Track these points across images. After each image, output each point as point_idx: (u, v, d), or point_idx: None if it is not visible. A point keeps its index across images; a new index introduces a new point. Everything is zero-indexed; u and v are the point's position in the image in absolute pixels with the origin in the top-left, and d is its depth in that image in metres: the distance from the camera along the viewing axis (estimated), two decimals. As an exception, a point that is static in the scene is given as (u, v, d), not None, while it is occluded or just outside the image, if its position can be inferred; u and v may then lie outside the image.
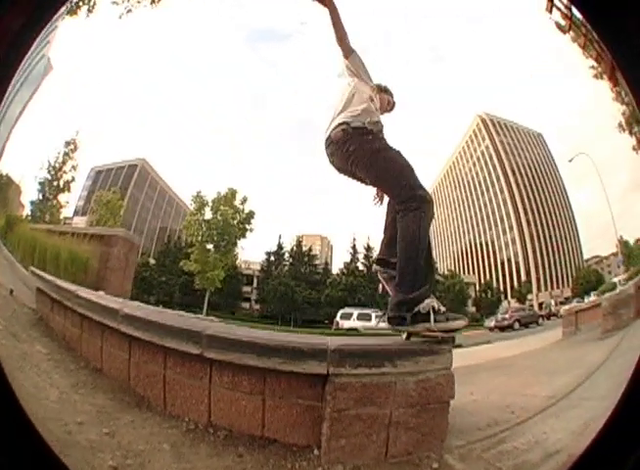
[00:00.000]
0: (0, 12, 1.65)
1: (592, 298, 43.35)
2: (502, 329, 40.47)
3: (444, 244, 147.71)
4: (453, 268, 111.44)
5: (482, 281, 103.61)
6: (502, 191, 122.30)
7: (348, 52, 4.27)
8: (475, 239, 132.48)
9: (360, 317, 33.55)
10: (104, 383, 4.02)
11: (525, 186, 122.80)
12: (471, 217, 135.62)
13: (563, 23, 14.31)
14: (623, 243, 73.22)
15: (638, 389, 1.85)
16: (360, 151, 3.86)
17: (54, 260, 11.27)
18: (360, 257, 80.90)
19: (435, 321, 3.37)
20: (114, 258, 12.09)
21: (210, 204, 27.55)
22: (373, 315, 33.25)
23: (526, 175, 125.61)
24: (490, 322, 46.40)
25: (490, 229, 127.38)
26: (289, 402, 3.19)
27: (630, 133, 16.58)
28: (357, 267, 79.42)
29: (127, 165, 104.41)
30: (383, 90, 4.79)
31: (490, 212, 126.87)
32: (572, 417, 4.10)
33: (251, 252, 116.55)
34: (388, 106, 4.89)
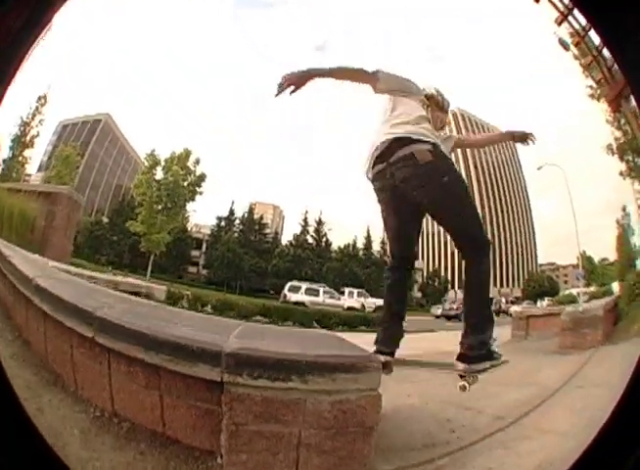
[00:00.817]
0: (1, 11, 1.61)
1: (545, 303, 45.61)
2: (449, 318, 40.76)
3: None
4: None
5: (430, 269, 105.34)
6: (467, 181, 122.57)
7: (374, 81, 3.83)
8: (427, 227, 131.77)
9: (308, 292, 33.09)
10: (31, 356, 3.84)
11: (485, 183, 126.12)
12: None
13: (568, 40, 14.28)
14: (586, 258, 75.53)
15: (638, 389, 1.83)
16: (437, 177, 3.56)
17: (9, 220, 10.84)
18: (311, 230, 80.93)
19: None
20: (58, 218, 11.61)
21: (163, 163, 26.76)
22: (321, 291, 33.79)
23: (489, 173, 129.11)
24: (437, 310, 48.16)
25: None
26: (186, 403, 2.74)
27: (621, 159, 16.19)
28: (306, 240, 79.30)
29: (92, 120, 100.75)
30: (439, 107, 4.37)
31: None
32: (524, 452, 3.50)
33: (205, 216, 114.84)
34: (441, 124, 4.42)
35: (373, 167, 3.82)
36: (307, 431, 2.55)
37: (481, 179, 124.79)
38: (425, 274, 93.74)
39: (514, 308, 43.14)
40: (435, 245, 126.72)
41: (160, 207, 25.07)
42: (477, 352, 3.63)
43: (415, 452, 3.35)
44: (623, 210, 50.37)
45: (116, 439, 2.79)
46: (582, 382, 5.90)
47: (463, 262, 3.78)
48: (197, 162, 31.17)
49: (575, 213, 35.40)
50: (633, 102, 11.59)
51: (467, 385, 3.75)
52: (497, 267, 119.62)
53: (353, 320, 18.55)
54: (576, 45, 13.49)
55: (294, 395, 2.54)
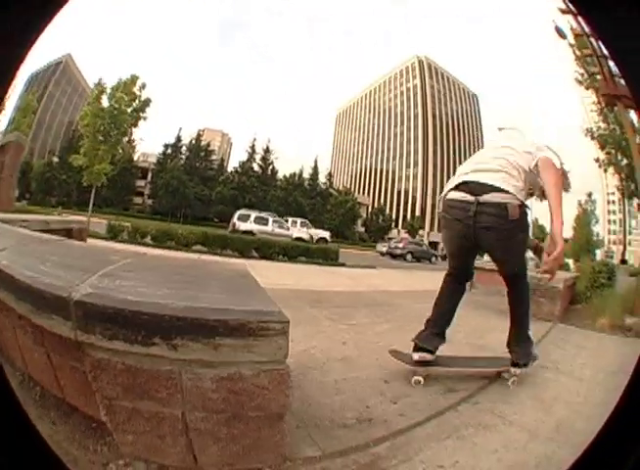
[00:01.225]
0: (1, 11, 1.52)
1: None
2: (394, 256, 40.72)
3: (345, 161, 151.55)
4: (349, 186, 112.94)
5: (376, 205, 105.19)
6: (416, 128, 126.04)
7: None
8: (376, 164, 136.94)
9: (257, 221, 32.44)
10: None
11: (441, 132, 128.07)
12: (378, 144, 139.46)
13: (565, 29, 14.33)
14: (538, 226, 76.82)
15: (638, 389, 1.77)
16: (516, 233, 3.85)
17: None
18: (257, 158, 79.67)
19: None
20: (5, 168, 10.74)
21: (109, 91, 25.42)
22: (270, 220, 33.21)
23: (446, 123, 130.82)
24: (382, 247, 47.54)
25: (394, 159, 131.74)
26: (69, 364, 2.11)
27: (602, 148, 16.24)
28: (252, 168, 77.98)
29: (54, 64, 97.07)
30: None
31: (399, 144, 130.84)
32: (482, 446, 2.81)
33: (153, 144, 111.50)
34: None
35: (456, 189, 3.94)
36: (192, 414, 1.90)
37: (438, 127, 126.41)
38: (369, 210, 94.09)
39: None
40: (383, 183, 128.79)
41: (101, 137, 23.92)
42: (525, 361, 4.19)
43: (346, 431, 2.71)
44: (589, 195, 52.01)
45: (35, 408, 2.40)
46: (544, 362, 5.15)
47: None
48: (142, 86, 29.84)
49: None
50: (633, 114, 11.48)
51: (422, 380, 3.85)
52: None
53: (294, 250, 18.10)
54: (577, 36, 13.46)
55: (163, 365, 1.84)
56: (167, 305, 1.87)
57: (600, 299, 10.42)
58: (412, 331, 5.44)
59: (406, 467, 2.42)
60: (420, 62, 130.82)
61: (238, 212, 33.55)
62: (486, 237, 3.77)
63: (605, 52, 8.51)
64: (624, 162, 15.06)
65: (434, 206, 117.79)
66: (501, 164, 3.76)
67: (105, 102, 22.27)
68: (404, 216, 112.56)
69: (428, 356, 3.98)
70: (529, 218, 3.93)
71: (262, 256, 16.93)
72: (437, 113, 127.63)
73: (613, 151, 15.45)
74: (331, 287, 10.22)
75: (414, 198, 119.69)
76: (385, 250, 45.09)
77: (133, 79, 24.14)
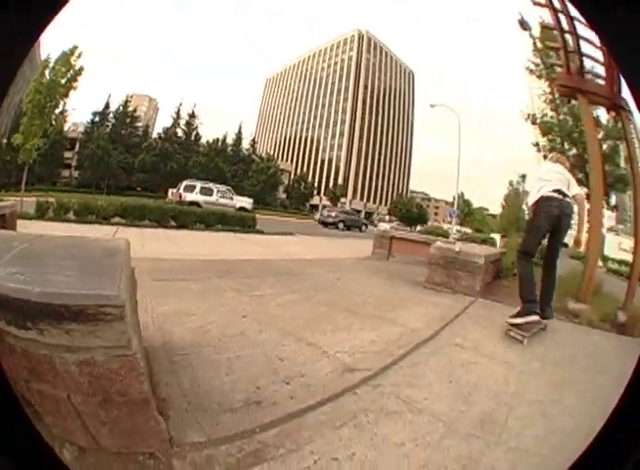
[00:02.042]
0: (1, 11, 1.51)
1: (385, 225, 48.92)
2: (326, 225, 41.35)
3: (271, 128, 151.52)
4: (272, 153, 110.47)
5: (298, 172, 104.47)
6: (346, 100, 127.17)
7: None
8: (302, 132, 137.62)
9: (202, 191, 32.44)
10: None
11: (371, 105, 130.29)
12: (305, 112, 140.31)
13: (529, 22, 15.09)
14: (464, 200, 79.16)
15: (638, 389, 1.70)
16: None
17: None
18: (182, 123, 77.00)
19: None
20: None
21: (52, 64, 24.23)
22: (215, 190, 33.36)
23: (377, 98, 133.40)
24: (315, 215, 50.64)
25: (320, 128, 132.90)
26: None
27: (544, 135, 16.63)
28: (176, 133, 75.17)
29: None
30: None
31: (326, 114, 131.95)
32: (384, 436, 2.55)
33: (83, 114, 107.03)
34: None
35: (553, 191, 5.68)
36: (75, 396, 1.95)
37: (368, 100, 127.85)
38: (292, 177, 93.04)
39: (382, 225, 45.30)
40: (307, 151, 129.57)
41: (37, 111, 22.81)
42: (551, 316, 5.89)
43: (233, 415, 2.52)
44: (522, 177, 53.58)
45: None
46: (461, 340, 5.08)
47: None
48: (79, 55, 28.61)
49: (462, 159, 36.74)
50: (604, 111, 11.92)
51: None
52: (366, 182, 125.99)
53: (211, 218, 17.74)
54: (544, 29, 13.79)
55: (40, 349, 1.84)
56: (29, 290, 1.77)
57: None
58: (318, 303, 5.54)
59: (295, 458, 2.21)
60: (360, 35, 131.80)
61: (184, 183, 33.28)
62: (566, 221, 5.63)
63: (573, 46, 8.94)
64: (573, 151, 15.48)
65: (356, 175, 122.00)
66: (561, 180, 5.79)
67: (47, 76, 21.52)
68: (327, 185, 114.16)
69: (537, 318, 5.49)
70: None
71: (180, 225, 16.63)
72: (370, 86, 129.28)
73: (558, 139, 15.85)
74: (244, 256, 10.00)
75: (337, 167, 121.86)
76: (316, 217, 47.79)
77: (72, 50, 23.27)
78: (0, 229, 6.55)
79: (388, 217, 77.46)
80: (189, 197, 30.93)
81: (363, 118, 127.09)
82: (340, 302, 5.96)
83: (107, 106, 74.19)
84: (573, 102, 12.05)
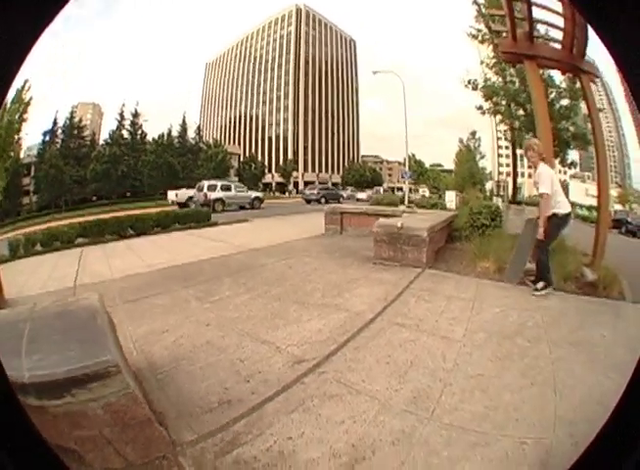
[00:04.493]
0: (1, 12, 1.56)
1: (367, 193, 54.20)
2: (308, 202, 45.39)
3: (215, 113, 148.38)
4: (218, 138, 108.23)
5: (247, 153, 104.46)
6: (287, 73, 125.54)
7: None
8: (246, 111, 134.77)
9: (223, 188, 35.54)
10: None
11: (313, 76, 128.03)
12: (247, 92, 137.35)
13: None
14: (416, 161, 79.61)
15: (638, 389, 1.79)
16: None
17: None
18: (127, 124, 74.76)
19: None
20: None
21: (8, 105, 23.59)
22: (232, 186, 37.03)
23: (319, 68, 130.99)
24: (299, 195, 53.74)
25: (264, 104, 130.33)
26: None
27: (487, 99, 17.25)
28: (122, 135, 73.02)
29: None
30: None
31: (269, 90, 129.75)
32: (328, 418, 3.09)
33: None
34: None
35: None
36: (104, 430, 2.65)
37: (310, 73, 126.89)
38: (241, 159, 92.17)
39: (359, 194, 52.91)
40: (253, 130, 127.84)
41: None
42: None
43: (212, 415, 3.17)
44: (472, 134, 54.36)
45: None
46: (402, 319, 5.37)
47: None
48: (28, 88, 28.09)
49: (410, 120, 36.89)
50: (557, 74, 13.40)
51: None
52: (315, 153, 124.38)
53: (167, 220, 17.85)
54: None
55: (75, 406, 2.58)
56: (57, 372, 2.53)
57: (482, 240, 10.36)
58: (271, 298, 6.05)
59: (260, 440, 2.82)
60: (298, 9, 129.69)
61: (205, 184, 35.67)
62: None
63: (524, 13, 9.07)
64: (520, 112, 16.13)
65: (306, 148, 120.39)
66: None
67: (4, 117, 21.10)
68: (277, 161, 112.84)
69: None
70: None
71: (139, 232, 16.78)
72: (311, 58, 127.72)
73: (504, 101, 16.40)
74: (202, 255, 10.27)
75: (285, 141, 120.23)
76: (301, 197, 52.71)
77: (23, 85, 22.84)
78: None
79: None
80: (213, 195, 33.50)
81: (307, 91, 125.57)
82: (291, 293, 6.45)
83: (55, 122, 71.24)
84: (520, 66, 12.20)
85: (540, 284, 6.78)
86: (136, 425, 2.75)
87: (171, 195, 44.49)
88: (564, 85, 14.91)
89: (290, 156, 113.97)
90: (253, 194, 39.21)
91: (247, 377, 3.68)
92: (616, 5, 1.62)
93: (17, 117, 21.35)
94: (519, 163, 20.56)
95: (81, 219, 18.96)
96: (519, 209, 13.51)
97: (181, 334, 4.79)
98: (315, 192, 48.67)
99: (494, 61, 16.38)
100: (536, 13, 9.15)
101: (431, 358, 4.15)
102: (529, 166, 7.38)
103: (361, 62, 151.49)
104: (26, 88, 22.79)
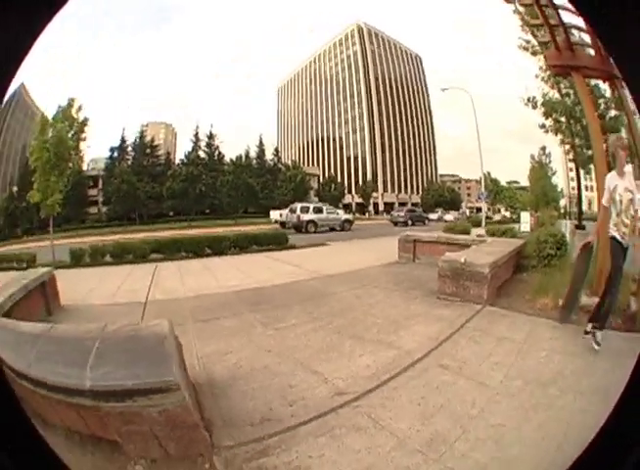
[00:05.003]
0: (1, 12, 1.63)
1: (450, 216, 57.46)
2: (396, 224, 47.15)
3: (292, 135, 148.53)
4: (297, 159, 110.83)
5: (326, 175, 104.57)
6: (360, 93, 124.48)
7: None
8: (323, 133, 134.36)
9: (315, 210, 37.46)
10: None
11: (385, 94, 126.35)
12: (322, 113, 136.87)
13: None
14: (491, 179, 78.44)
15: (638, 389, 1.85)
16: None
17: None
18: (202, 145, 77.39)
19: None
20: None
21: (51, 121, 24.88)
22: (324, 208, 39.17)
23: (389, 85, 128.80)
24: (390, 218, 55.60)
25: (340, 126, 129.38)
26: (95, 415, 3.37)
27: (547, 117, 16.46)
28: (198, 156, 75.69)
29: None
30: None
31: (343, 111, 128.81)
32: (347, 447, 3.39)
33: (99, 149, 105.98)
34: None
35: None
36: (154, 428, 3.18)
37: (382, 90, 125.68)
38: (321, 180, 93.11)
39: (447, 216, 56.36)
40: (331, 151, 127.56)
41: (49, 168, 23.50)
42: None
43: (252, 428, 3.65)
44: (542, 149, 53.01)
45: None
46: (448, 360, 5.33)
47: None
48: (79, 108, 29.49)
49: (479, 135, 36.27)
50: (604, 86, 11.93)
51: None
52: (394, 174, 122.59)
53: (244, 241, 18.32)
54: (525, 5, 13.43)
55: (136, 409, 3.15)
56: (127, 383, 3.11)
57: (546, 271, 9.93)
58: (332, 330, 6.39)
59: (285, 454, 3.26)
60: (359, 28, 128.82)
61: (299, 205, 37.68)
62: None
63: (555, 21, 8.71)
64: (578, 128, 15.11)
65: (384, 167, 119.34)
66: None
67: (49, 132, 22.13)
68: (356, 182, 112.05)
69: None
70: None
71: (215, 252, 17.29)
72: (380, 75, 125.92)
73: (563, 118, 15.54)
74: (273, 281, 10.45)
75: (364, 161, 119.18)
76: (390, 219, 53.25)
77: (70, 103, 23.92)
78: (43, 299, 7.98)
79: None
80: (305, 217, 35.93)
81: (380, 108, 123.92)
82: (351, 326, 6.70)
83: (123, 140, 74.76)
84: (570, 78, 11.18)
85: (599, 335, 5.63)
86: (185, 427, 3.24)
87: (275, 214, 46.98)
88: (608, 95, 14.04)
89: (369, 176, 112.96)
90: (344, 216, 40.98)
91: (291, 401, 4.09)
92: (616, 5, 1.68)
93: (70, 134, 22.39)
94: (582, 182, 19.56)
95: (157, 234, 19.68)
96: (583, 233, 12.68)
97: (242, 356, 5.29)
98: (402, 214, 50.02)
99: (548, 74, 15.42)
100: (566, 17, 8.83)
101: (460, 404, 4.16)
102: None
103: (431, 79, 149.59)
104: (76, 107, 23.97)
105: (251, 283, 10.03)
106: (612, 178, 5.67)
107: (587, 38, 9.31)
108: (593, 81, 12.57)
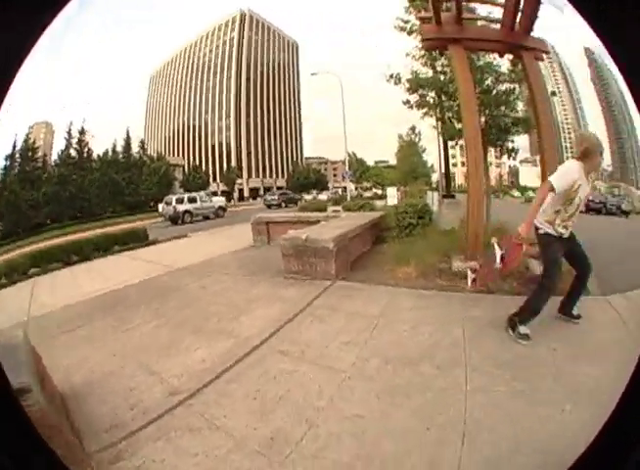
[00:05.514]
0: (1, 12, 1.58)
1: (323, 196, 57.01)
2: (269, 206, 50.84)
3: (159, 126, 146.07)
4: (163, 150, 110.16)
5: (191, 164, 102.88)
6: (229, 78, 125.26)
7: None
8: (190, 121, 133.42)
9: (190, 200, 38.18)
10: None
11: (255, 81, 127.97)
12: (190, 101, 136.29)
13: None
14: (357, 159, 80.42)
15: (638, 389, 1.80)
16: None
17: None
18: (74, 142, 72.85)
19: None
20: None
21: None
22: (197, 197, 39.51)
23: (261, 72, 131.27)
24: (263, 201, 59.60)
25: (207, 113, 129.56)
26: None
27: (412, 92, 15.02)
28: (69, 155, 71.45)
29: None
30: None
31: (211, 97, 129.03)
32: (182, 450, 3.35)
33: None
34: None
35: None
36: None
37: (252, 77, 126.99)
38: (186, 170, 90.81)
39: (321, 196, 56.68)
40: (197, 139, 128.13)
41: None
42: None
43: (106, 435, 3.60)
44: (412, 129, 54.81)
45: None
46: (288, 345, 5.18)
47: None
48: None
49: (350, 119, 36.83)
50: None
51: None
52: (259, 158, 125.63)
53: (106, 243, 17.34)
54: None
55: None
56: None
57: (408, 242, 10.10)
58: (175, 325, 6.36)
59: (135, 458, 3.23)
60: (242, 15, 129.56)
61: (174, 197, 38.36)
62: None
63: None
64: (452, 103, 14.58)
65: (249, 153, 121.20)
66: None
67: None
68: (220, 169, 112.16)
69: None
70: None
71: (82, 258, 16.50)
72: (253, 63, 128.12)
73: (432, 93, 15.01)
74: (130, 280, 10.20)
75: (229, 149, 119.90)
76: (264, 203, 56.26)
77: None
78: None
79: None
80: (181, 208, 36.53)
81: (248, 95, 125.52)
82: (193, 318, 6.61)
83: (14, 146, 68.65)
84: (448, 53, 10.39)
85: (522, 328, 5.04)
86: (60, 435, 2.95)
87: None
88: (504, 69, 13.71)
89: (233, 162, 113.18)
90: (217, 203, 41.64)
91: (132, 405, 4.02)
92: (616, 5, 1.66)
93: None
94: (450, 153, 19.72)
95: (34, 247, 18.95)
96: (453, 202, 12.96)
97: (96, 362, 5.24)
98: (276, 197, 54.29)
99: (422, 52, 14.79)
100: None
101: (303, 394, 3.94)
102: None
103: (303, 64, 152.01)
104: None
105: (110, 286, 9.86)
106: (580, 175, 5.04)
107: (495, 12, 9.51)
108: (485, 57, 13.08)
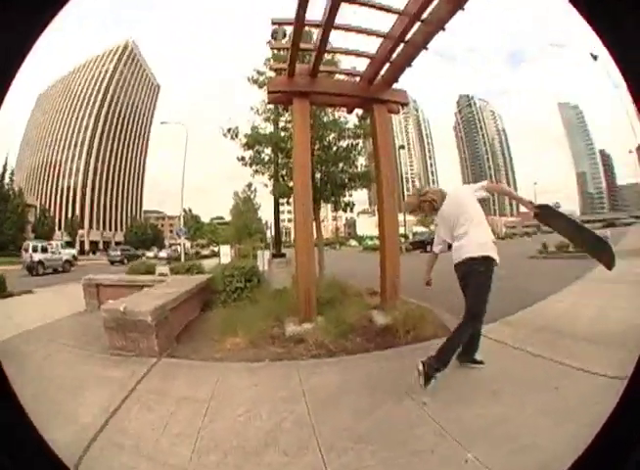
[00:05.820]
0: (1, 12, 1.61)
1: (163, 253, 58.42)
2: (112, 263, 50.62)
3: (25, 153, 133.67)
4: (23, 185, 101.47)
5: (41, 206, 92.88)
6: (90, 116, 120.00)
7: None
8: (48, 156, 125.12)
9: (42, 249, 35.86)
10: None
11: (112, 121, 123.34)
12: (55, 132, 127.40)
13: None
14: (192, 215, 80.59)
15: (638, 389, 1.87)
16: None
17: None
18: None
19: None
20: None
21: None
22: (48, 247, 37.35)
23: (120, 113, 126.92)
24: (105, 257, 60.77)
25: (64, 151, 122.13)
26: None
27: (249, 149, 15.45)
28: None
29: None
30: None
31: (71, 133, 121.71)
32: None
33: None
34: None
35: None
36: None
37: (109, 118, 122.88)
38: (37, 213, 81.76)
39: (161, 253, 58.19)
40: (50, 179, 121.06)
41: None
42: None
43: None
44: (248, 186, 56.01)
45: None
46: (122, 437, 4.28)
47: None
48: None
49: (193, 172, 36.96)
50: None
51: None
52: (101, 208, 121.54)
53: None
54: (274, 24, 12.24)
55: None
56: None
57: (237, 307, 9.91)
58: None
59: None
60: (125, 46, 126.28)
61: (31, 244, 36.10)
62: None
63: (315, 44, 7.96)
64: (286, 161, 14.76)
65: (92, 202, 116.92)
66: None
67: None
68: (66, 216, 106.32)
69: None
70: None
71: None
72: (115, 101, 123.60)
73: (268, 149, 15.12)
74: None
75: (75, 194, 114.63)
76: (106, 259, 56.36)
77: None
78: None
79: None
80: (35, 257, 34.26)
81: (102, 137, 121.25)
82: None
83: None
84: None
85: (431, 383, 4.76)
86: None
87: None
88: (351, 124, 14.16)
89: (77, 211, 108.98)
90: (64, 256, 39.29)
91: None
92: (616, 5, 1.69)
93: None
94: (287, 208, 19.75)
95: None
96: (283, 261, 12.79)
97: None
98: (119, 254, 54.22)
99: (269, 106, 14.87)
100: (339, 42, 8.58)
101: None
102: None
103: (160, 110, 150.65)
104: None
105: None
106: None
107: (360, 64, 9.35)
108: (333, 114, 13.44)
